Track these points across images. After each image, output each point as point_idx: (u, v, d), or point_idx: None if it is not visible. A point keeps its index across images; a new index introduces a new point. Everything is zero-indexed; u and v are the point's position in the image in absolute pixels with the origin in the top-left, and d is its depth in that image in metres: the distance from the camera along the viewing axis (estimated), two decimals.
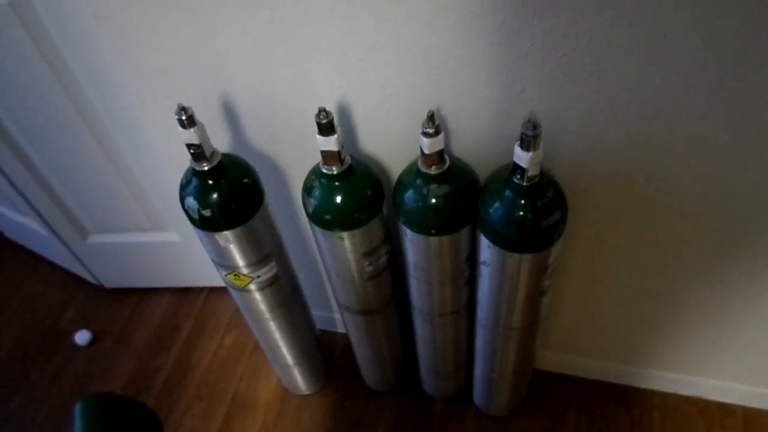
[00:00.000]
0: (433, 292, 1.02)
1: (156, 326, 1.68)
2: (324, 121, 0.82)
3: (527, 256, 0.86)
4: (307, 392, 1.47)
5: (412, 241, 0.93)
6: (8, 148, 1.35)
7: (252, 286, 1.09)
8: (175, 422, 1.47)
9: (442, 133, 0.81)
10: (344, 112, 0.93)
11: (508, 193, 0.82)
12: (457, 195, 0.87)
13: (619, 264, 1.07)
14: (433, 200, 0.87)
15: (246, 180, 0.97)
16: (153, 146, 1.22)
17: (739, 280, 1.02)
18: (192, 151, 0.89)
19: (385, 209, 0.97)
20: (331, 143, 0.85)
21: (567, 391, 1.40)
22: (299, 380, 1.42)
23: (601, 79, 0.77)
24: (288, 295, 1.18)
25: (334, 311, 1.53)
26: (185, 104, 0.85)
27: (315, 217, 0.94)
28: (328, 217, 0.92)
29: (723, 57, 0.71)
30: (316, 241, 1.01)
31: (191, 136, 0.87)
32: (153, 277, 1.72)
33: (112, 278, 1.76)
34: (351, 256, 0.98)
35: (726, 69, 0.72)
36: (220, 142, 1.07)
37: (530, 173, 0.78)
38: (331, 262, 1.02)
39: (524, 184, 0.79)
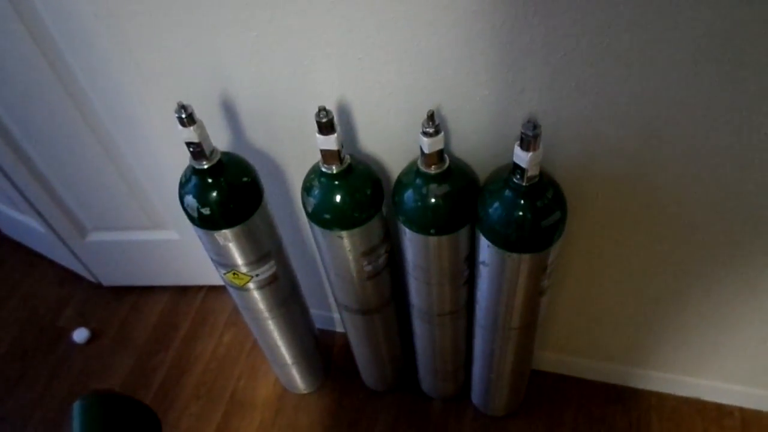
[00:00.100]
0: (432, 291, 1.02)
1: (154, 324, 1.68)
2: (324, 120, 0.82)
3: (526, 257, 0.86)
4: (305, 391, 1.47)
5: (411, 241, 0.93)
6: (7, 146, 1.35)
7: (251, 285, 1.09)
8: (173, 421, 1.47)
9: (442, 133, 0.81)
10: (344, 111, 0.93)
11: (507, 193, 0.82)
12: (456, 195, 0.87)
13: (618, 264, 1.07)
14: (433, 200, 0.87)
15: (245, 179, 0.97)
16: (152, 144, 1.22)
17: (738, 281, 1.02)
18: (191, 149, 0.89)
19: (384, 209, 0.97)
20: (330, 142, 0.85)
21: (565, 391, 1.40)
22: (297, 379, 1.42)
23: (601, 79, 0.77)
24: (287, 294, 1.18)
25: (332, 310, 1.53)
26: (185, 102, 0.85)
27: (314, 216, 0.94)
28: (327, 216, 0.92)
29: (722, 58, 0.71)
30: (316, 240, 1.01)
31: (191, 134, 0.87)
32: (151, 276, 1.72)
33: (111, 276, 1.76)
34: (350, 256, 0.98)
35: (725, 70, 0.72)
36: (220, 141, 1.07)
37: (530, 173, 0.78)
38: (330, 262, 1.02)
39: (524, 184, 0.80)
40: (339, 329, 1.59)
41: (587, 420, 1.35)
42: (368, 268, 1.01)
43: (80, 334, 1.66)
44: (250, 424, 1.44)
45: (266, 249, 1.05)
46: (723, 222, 0.92)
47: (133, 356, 1.61)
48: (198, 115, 0.87)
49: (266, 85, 0.93)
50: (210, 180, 0.93)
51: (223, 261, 1.04)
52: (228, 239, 0.98)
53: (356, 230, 0.93)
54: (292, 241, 1.27)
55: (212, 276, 1.44)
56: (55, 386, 1.58)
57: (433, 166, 0.85)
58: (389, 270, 1.07)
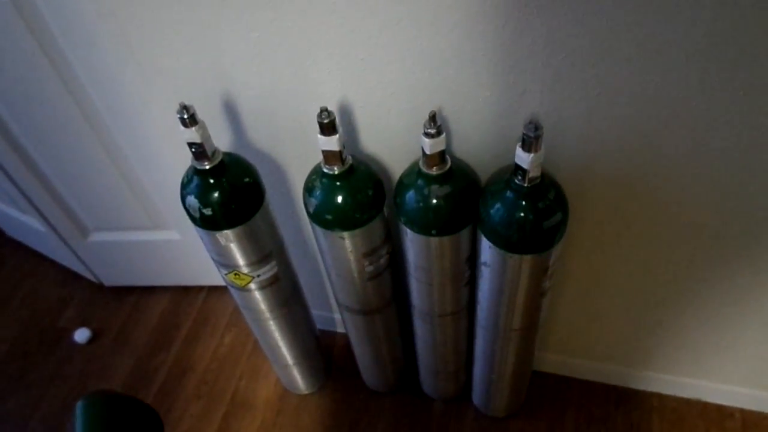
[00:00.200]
0: (434, 292, 1.02)
1: (155, 325, 1.68)
2: (325, 121, 0.82)
3: (528, 258, 0.86)
4: (306, 392, 1.47)
5: (412, 242, 0.93)
6: (9, 146, 1.35)
7: (252, 286, 1.09)
8: (174, 421, 1.47)
9: (444, 134, 0.81)
10: (346, 111, 0.94)
11: (509, 194, 0.82)
12: (458, 196, 0.87)
13: (619, 265, 1.07)
14: (434, 201, 0.87)
15: (247, 179, 0.97)
16: (154, 145, 1.23)
17: (740, 283, 1.02)
18: (193, 149, 0.90)
19: (385, 209, 0.97)
20: (332, 143, 0.85)
21: (566, 392, 1.40)
22: (298, 380, 1.42)
23: (603, 80, 0.77)
24: (288, 295, 1.18)
25: (333, 311, 1.53)
26: (187, 103, 0.86)
27: (316, 217, 0.94)
28: (329, 216, 0.92)
29: (723, 59, 0.71)
30: (317, 240, 1.01)
31: (193, 134, 0.87)
32: (153, 276, 1.72)
33: (112, 276, 1.76)
34: (351, 256, 0.98)
35: (726, 71, 0.72)
36: (222, 141, 1.07)
37: (531, 174, 0.78)
38: (332, 262, 1.02)
39: (525, 185, 0.80)
40: (340, 330, 1.59)
41: (588, 421, 1.35)
42: (369, 268, 1.01)
43: (81, 334, 1.66)
44: (251, 424, 1.44)
45: (268, 249, 1.05)
46: (724, 224, 0.92)
47: (134, 356, 1.61)
48: (200, 115, 0.87)
49: (268, 86, 0.93)
50: (212, 180, 0.93)
51: (224, 261, 1.04)
52: (229, 240, 0.98)
53: (358, 231, 0.93)
54: (294, 242, 1.27)
55: (213, 276, 1.44)
56: (56, 386, 1.58)
57: (434, 167, 0.85)
58: (390, 271, 1.07)
